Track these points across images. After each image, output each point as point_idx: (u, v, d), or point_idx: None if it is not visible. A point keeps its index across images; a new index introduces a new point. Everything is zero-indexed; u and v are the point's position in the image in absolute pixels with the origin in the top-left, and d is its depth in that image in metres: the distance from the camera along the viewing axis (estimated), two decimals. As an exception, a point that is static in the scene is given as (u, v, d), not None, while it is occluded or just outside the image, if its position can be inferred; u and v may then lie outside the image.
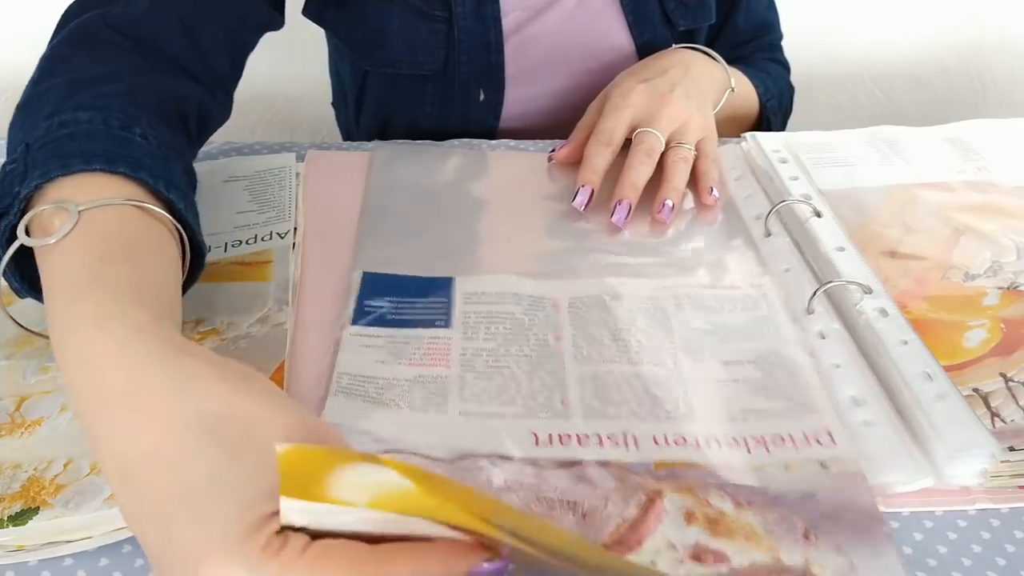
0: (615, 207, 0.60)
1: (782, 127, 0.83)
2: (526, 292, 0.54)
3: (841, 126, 0.72)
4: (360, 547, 0.30)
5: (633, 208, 0.61)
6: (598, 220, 0.61)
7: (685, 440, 0.44)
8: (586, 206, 0.61)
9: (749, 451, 0.43)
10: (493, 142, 0.72)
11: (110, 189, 0.43)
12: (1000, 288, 0.54)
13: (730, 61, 0.74)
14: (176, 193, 0.45)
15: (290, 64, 1.21)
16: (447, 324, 0.51)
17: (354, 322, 0.51)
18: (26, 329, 0.47)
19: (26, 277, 0.44)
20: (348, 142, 0.73)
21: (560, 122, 0.77)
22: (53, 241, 0.40)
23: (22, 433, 0.44)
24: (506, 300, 0.53)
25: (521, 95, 0.78)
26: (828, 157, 0.67)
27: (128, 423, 0.32)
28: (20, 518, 0.39)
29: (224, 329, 0.50)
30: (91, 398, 0.34)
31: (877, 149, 0.68)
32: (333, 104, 0.96)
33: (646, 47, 0.78)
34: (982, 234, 0.58)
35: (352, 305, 0.52)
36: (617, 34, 0.78)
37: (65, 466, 0.42)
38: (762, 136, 0.69)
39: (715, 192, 0.63)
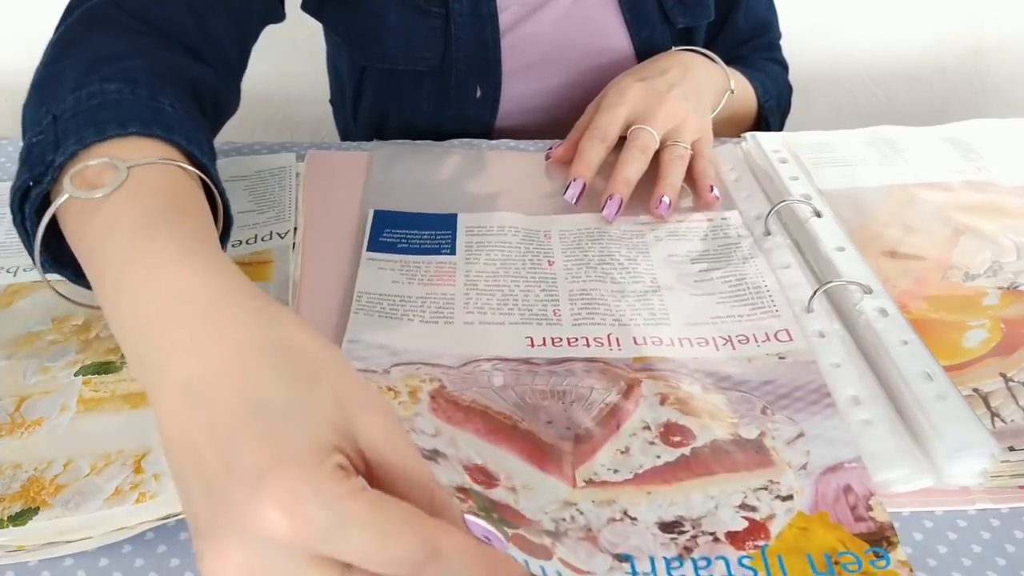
0: (606, 201, 0.61)
1: (780, 127, 0.83)
2: (521, 226, 0.60)
3: (841, 126, 0.72)
4: (416, 509, 0.29)
5: (624, 203, 0.61)
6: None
7: (661, 340, 0.50)
8: (577, 199, 0.62)
9: (716, 348, 0.50)
10: (493, 142, 0.72)
11: (148, 151, 0.42)
12: (1000, 288, 0.54)
13: (729, 60, 0.74)
14: (208, 159, 0.45)
15: (290, 64, 1.21)
16: (452, 251, 0.58)
17: (369, 250, 0.57)
18: (68, 299, 0.46)
19: (50, 251, 0.44)
20: (348, 142, 0.73)
21: (558, 119, 0.77)
22: (100, 195, 0.39)
23: (22, 433, 0.44)
24: (504, 232, 0.60)
25: (518, 92, 0.78)
26: (828, 157, 0.67)
27: (202, 342, 0.32)
28: (20, 518, 0.39)
29: (224, 329, 0.50)
30: (159, 322, 0.33)
31: (877, 149, 0.68)
32: (331, 102, 0.96)
33: (644, 45, 0.78)
34: (982, 234, 0.58)
35: (367, 237, 0.58)
36: (614, 31, 0.78)
37: (65, 466, 0.42)
38: (762, 136, 0.69)
39: (715, 191, 0.63)
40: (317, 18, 0.79)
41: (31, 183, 0.42)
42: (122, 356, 0.48)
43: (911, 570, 0.38)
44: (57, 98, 0.45)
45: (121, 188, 0.39)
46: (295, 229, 0.59)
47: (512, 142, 0.71)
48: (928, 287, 0.54)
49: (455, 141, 0.71)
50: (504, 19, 0.76)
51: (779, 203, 0.60)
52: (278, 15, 0.69)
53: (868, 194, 0.62)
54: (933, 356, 0.47)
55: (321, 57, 0.93)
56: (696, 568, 0.38)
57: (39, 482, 0.41)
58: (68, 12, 0.56)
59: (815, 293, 0.52)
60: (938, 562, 0.40)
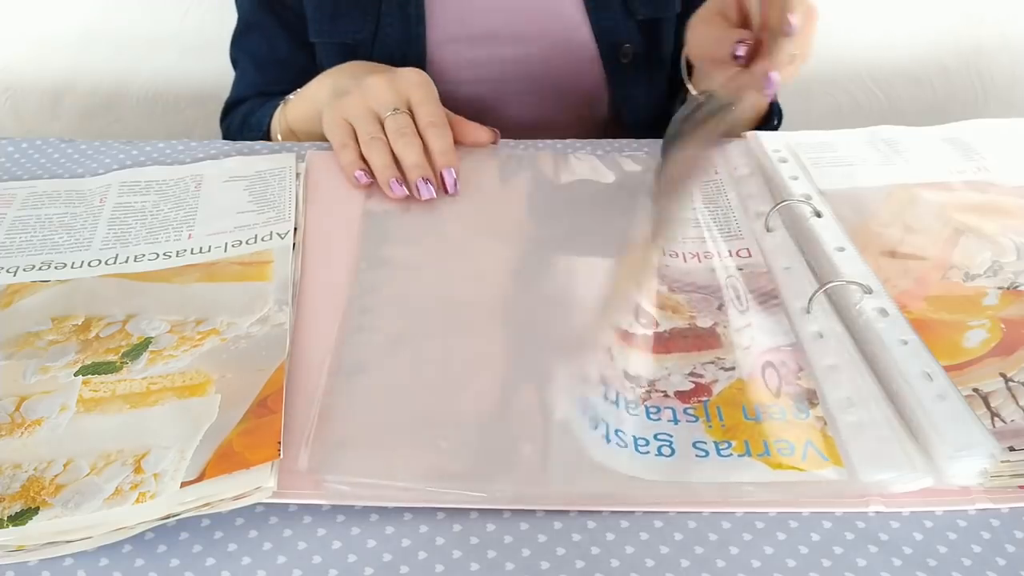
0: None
1: None
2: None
3: (841, 126, 0.71)
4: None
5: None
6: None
7: None
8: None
9: (685, 260, 0.57)
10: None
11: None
12: (1000, 288, 0.54)
13: None
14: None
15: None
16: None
17: None
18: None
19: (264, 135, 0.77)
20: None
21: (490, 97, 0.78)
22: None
23: (22, 433, 0.44)
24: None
25: (454, 63, 0.78)
26: (828, 157, 0.67)
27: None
28: (20, 518, 0.39)
29: (224, 329, 0.50)
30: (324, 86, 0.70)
31: (877, 149, 0.68)
32: None
33: (605, 35, 0.77)
34: (982, 234, 0.58)
35: None
36: (571, 14, 0.77)
37: (65, 466, 0.42)
38: (763, 135, 0.69)
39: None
40: None
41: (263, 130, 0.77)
42: (122, 356, 0.48)
43: (825, 423, 0.45)
44: (257, 118, 0.79)
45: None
46: (295, 229, 0.59)
47: (525, 142, 0.71)
48: (928, 287, 0.54)
49: None
50: None
51: (779, 203, 0.60)
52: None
53: (868, 194, 0.62)
54: (933, 356, 0.47)
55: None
56: (648, 414, 0.46)
57: (39, 482, 0.41)
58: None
59: (815, 293, 0.52)
60: (938, 562, 0.40)
